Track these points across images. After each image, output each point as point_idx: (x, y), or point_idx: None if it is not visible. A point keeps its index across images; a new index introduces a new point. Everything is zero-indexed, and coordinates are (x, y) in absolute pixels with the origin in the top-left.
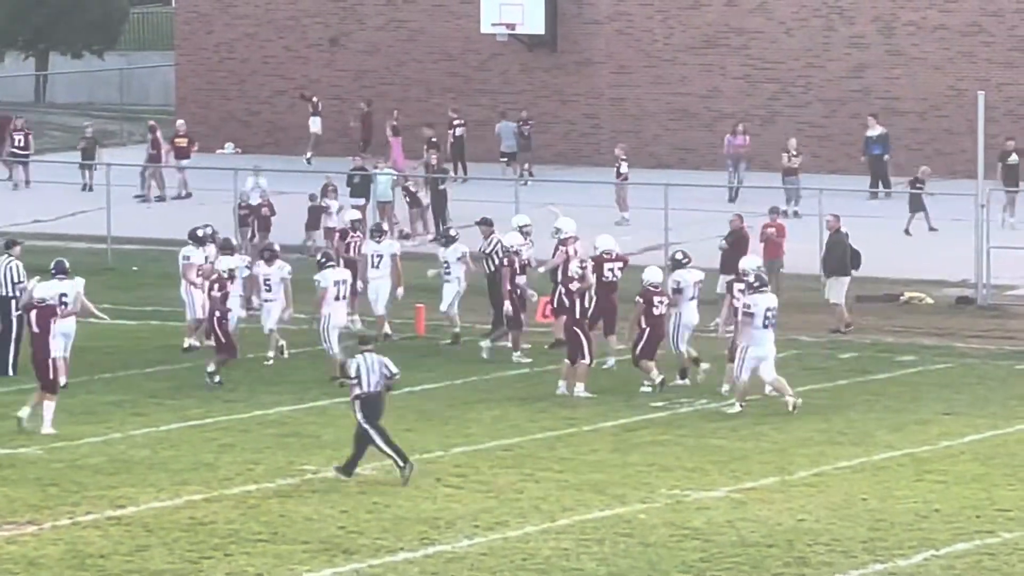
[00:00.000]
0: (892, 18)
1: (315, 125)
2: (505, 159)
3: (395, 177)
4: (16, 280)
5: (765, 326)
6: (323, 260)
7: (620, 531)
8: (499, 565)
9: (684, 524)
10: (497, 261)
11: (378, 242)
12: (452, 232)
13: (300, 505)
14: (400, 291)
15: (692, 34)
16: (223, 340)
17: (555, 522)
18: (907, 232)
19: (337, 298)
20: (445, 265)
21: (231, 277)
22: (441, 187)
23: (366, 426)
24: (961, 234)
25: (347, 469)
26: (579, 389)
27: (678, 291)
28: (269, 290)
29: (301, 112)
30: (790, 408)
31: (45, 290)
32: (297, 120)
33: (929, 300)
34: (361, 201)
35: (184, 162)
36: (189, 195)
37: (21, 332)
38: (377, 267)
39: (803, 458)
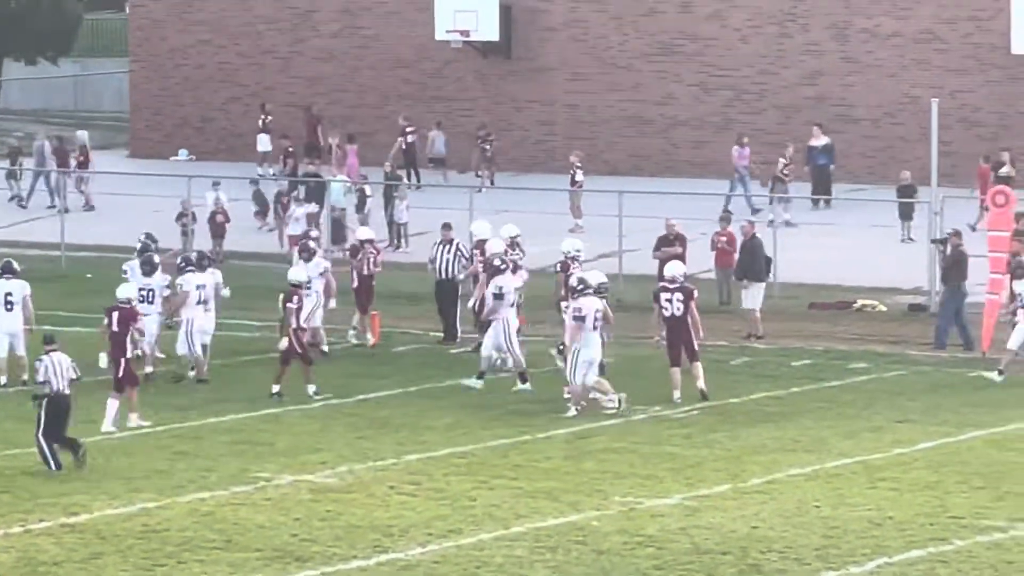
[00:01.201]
0: (846, 25)
1: (263, 143)
2: (432, 164)
3: (348, 184)
4: None
5: (595, 328)
6: (183, 264)
7: (574, 538)
8: (452, 572)
9: (638, 531)
10: (454, 269)
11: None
12: (313, 246)
13: (254, 513)
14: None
15: (647, 40)
16: (299, 351)
17: (509, 529)
18: (911, 239)
19: (199, 302)
20: (308, 280)
21: (305, 287)
22: (394, 195)
23: (42, 422)
24: (914, 241)
25: (74, 454)
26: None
27: (499, 296)
28: (205, 301)
29: (255, 119)
30: (616, 407)
31: (127, 290)
32: (252, 127)
33: (882, 307)
34: (314, 207)
35: (86, 174)
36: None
37: None
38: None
39: (756, 465)
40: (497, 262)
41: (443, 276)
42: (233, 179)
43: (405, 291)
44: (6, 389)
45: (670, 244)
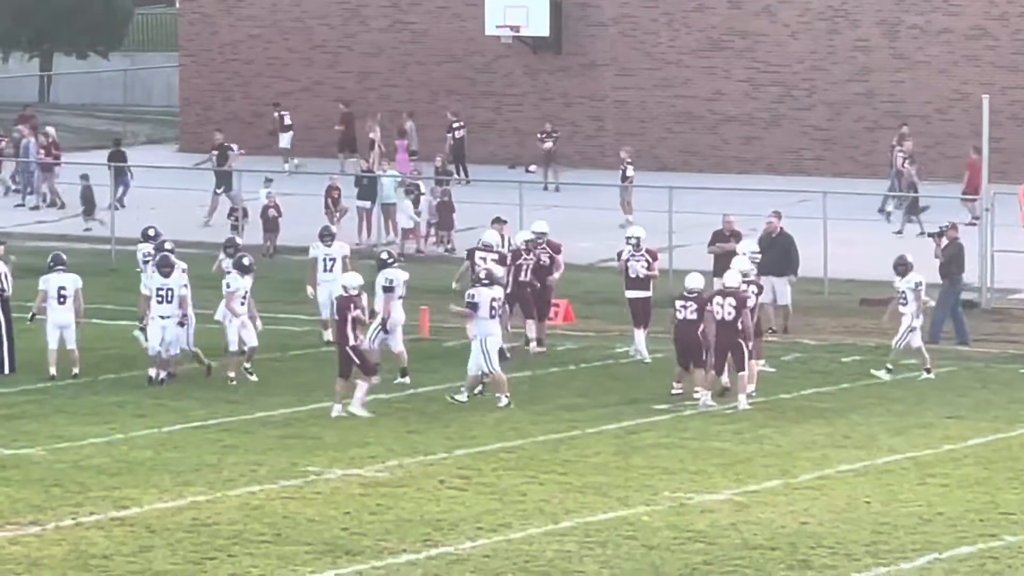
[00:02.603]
0: (897, 21)
1: (284, 140)
2: (415, 156)
3: (399, 180)
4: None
5: (492, 316)
6: (52, 264)
7: (623, 533)
8: (502, 567)
9: (687, 527)
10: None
11: (328, 246)
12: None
13: (303, 506)
14: None
15: (696, 37)
16: (366, 362)
17: (558, 524)
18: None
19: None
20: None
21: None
22: (444, 187)
23: None
24: (965, 237)
25: None
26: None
27: (389, 289)
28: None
29: (305, 115)
30: (501, 404)
31: (351, 279)
32: (301, 121)
33: (932, 303)
34: (367, 204)
35: (57, 169)
36: (63, 205)
37: (11, 330)
38: (330, 271)
39: (806, 461)
40: (384, 255)
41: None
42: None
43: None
44: (56, 382)
45: (725, 240)
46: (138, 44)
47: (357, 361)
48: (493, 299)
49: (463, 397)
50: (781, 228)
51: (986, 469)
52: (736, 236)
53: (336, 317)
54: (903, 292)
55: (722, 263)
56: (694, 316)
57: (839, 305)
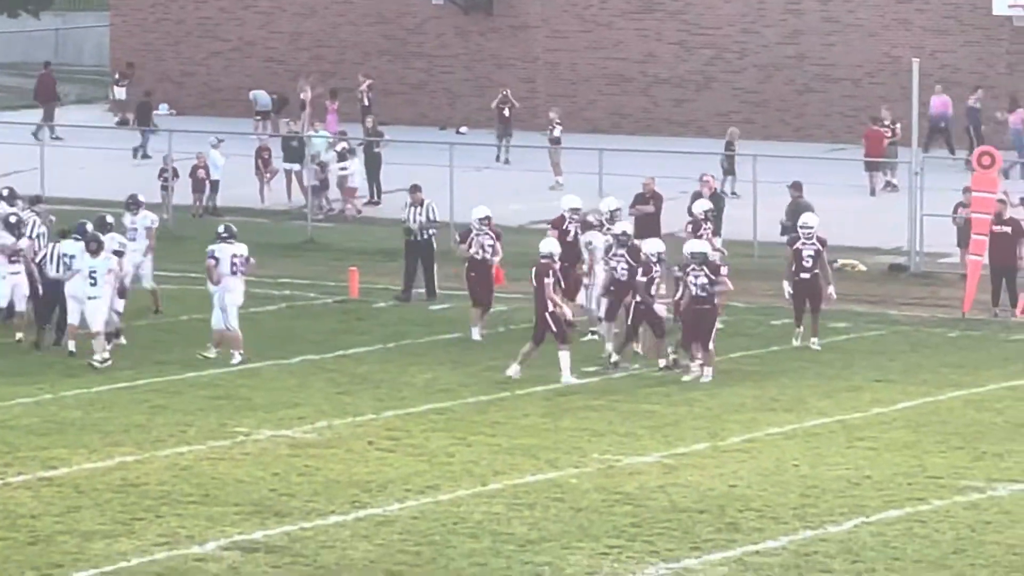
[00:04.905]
0: None
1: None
2: (259, 117)
3: (331, 140)
4: None
5: (233, 272)
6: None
7: (552, 495)
8: (430, 528)
9: (616, 489)
10: (428, 232)
11: (134, 214)
12: (141, 197)
13: (232, 467)
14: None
15: None
16: (561, 330)
17: (487, 486)
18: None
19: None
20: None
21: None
22: (376, 150)
23: None
24: (895, 201)
25: None
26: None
27: (214, 259)
28: (95, 284)
29: (236, 74)
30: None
31: (549, 245)
32: (232, 82)
33: (862, 267)
34: (296, 166)
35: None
36: None
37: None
38: (134, 240)
39: (735, 424)
40: (221, 229)
41: (417, 237)
42: (204, 133)
43: (385, 247)
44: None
45: (645, 202)
46: (69, 3)
47: (554, 328)
48: (234, 255)
49: (211, 353)
50: (715, 189)
51: (914, 433)
52: (657, 198)
53: (534, 283)
54: (591, 244)
55: (642, 224)
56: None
57: (769, 268)
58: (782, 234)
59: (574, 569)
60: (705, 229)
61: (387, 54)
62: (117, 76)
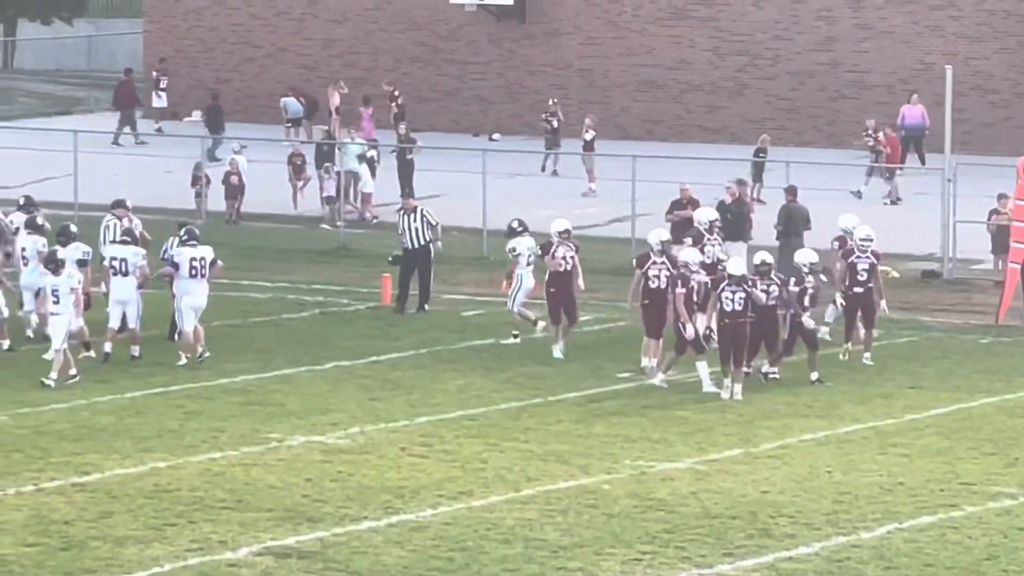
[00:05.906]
0: None
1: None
2: (289, 124)
3: (365, 148)
4: None
5: (192, 276)
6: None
7: (584, 502)
8: (463, 534)
9: (648, 495)
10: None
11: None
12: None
13: (265, 473)
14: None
15: (660, 5)
16: (696, 340)
17: (519, 492)
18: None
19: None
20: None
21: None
22: (409, 156)
23: None
24: (928, 208)
25: None
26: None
27: (174, 265)
28: (57, 302)
29: (268, 81)
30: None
31: (689, 255)
32: (264, 88)
33: (895, 274)
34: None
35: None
36: None
37: None
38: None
39: (768, 430)
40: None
41: (414, 244)
42: (236, 139)
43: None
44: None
45: (682, 208)
46: (102, 10)
47: (689, 337)
48: (193, 258)
49: (183, 362)
50: (740, 195)
51: (947, 439)
52: (693, 204)
53: (670, 293)
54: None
55: (679, 231)
56: (741, 306)
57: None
58: (777, 239)
59: (607, 575)
60: (710, 239)
61: (419, 61)
62: (155, 74)
